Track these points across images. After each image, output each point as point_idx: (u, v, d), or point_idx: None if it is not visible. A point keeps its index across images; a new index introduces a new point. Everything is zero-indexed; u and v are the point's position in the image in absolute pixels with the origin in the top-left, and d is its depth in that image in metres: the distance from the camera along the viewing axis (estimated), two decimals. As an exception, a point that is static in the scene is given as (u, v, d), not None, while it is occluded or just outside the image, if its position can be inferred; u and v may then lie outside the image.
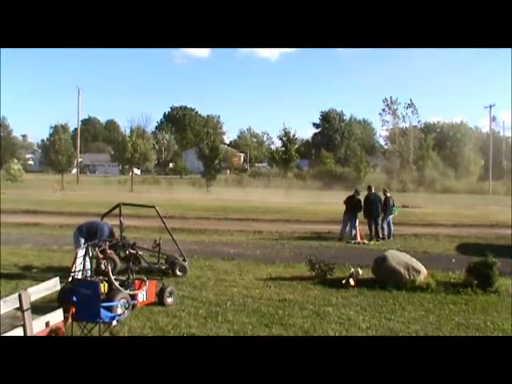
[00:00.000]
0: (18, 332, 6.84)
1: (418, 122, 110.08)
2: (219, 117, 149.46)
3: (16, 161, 79.40)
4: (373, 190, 22.45)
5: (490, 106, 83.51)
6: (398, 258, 13.28)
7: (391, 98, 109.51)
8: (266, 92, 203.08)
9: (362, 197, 22.26)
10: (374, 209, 21.61)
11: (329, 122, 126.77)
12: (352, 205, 21.81)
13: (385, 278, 12.81)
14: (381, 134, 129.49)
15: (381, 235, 21.73)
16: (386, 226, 22.00)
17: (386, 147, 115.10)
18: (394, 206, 22.77)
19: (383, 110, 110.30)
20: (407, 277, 12.69)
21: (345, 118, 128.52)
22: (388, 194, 22.70)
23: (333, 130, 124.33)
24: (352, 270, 13.30)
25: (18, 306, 6.82)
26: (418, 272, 12.83)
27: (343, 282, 12.78)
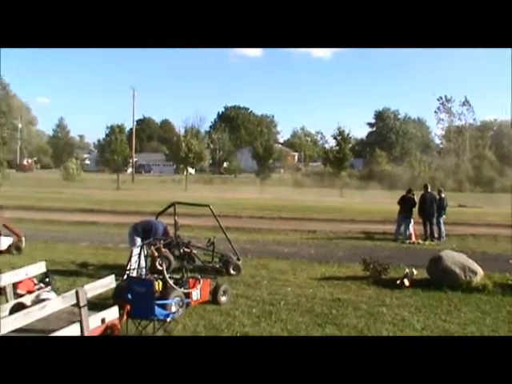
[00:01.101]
0: (74, 328, 6.96)
1: (474, 119, 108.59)
2: (273, 116, 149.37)
3: (74, 160, 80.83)
4: (429, 189, 22.14)
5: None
6: (453, 258, 13.07)
7: (446, 96, 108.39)
8: (319, 91, 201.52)
9: (415, 196, 21.96)
10: (429, 208, 21.31)
11: (383, 121, 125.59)
12: (406, 204, 21.54)
13: (440, 278, 12.62)
14: (436, 132, 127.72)
15: (436, 235, 21.43)
16: (438, 226, 21.68)
17: (441, 146, 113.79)
18: (447, 206, 22.41)
19: (438, 108, 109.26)
20: (463, 277, 12.48)
21: (399, 116, 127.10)
22: (443, 195, 22.37)
23: (387, 129, 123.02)
24: (407, 270, 13.15)
25: (74, 302, 6.95)
26: (475, 273, 12.60)
27: (398, 282, 12.65)
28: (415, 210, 21.60)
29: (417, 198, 21.82)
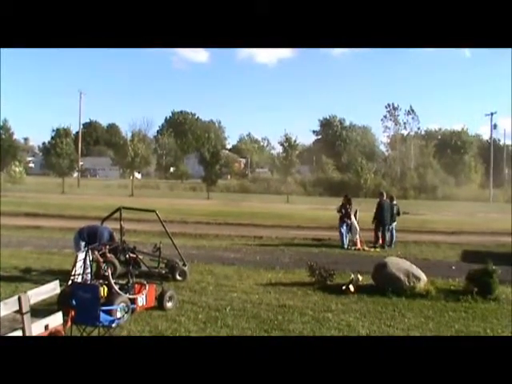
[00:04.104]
0: (17, 335, 6.83)
1: (418, 128, 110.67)
2: (220, 122, 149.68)
3: (17, 163, 79.14)
4: (385, 197, 22.48)
5: (492, 114, 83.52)
6: (398, 264, 13.28)
7: (393, 104, 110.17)
8: (264, 97, 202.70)
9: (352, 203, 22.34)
10: (384, 216, 21.61)
11: (329, 129, 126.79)
12: (345, 211, 21.75)
13: (385, 284, 12.80)
14: (382, 140, 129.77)
15: (393, 241, 21.84)
16: (390, 233, 22.01)
17: (386, 153, 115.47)
18: (398, 214, 22.70)
19: (385, 116, 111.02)
20: (407, 283, 12.68)
21: (345, 124, 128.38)
22: (394, 202, 22.66)
23: (333, 137, 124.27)
24: (352, 276, 13.28)
25: (17, 308, 6.82)
26: (418, 279, 12.82)
27: (343, 288, 12.77)
28: (358, 216, 22.01)
29: (356, 205, 22.32)
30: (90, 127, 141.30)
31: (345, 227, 21.60)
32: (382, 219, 21.70)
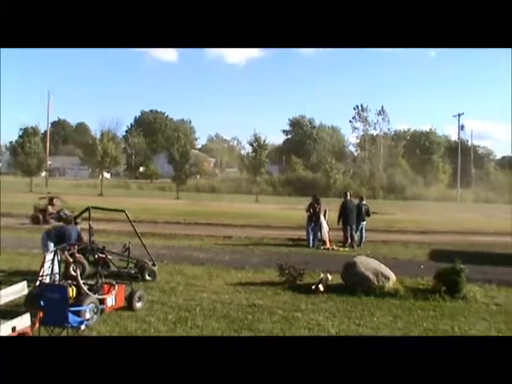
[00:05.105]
0: (-17, 336, 6.75)
1: (388, 129, 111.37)
2: (190, 122, 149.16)
3: (-17, 162, 78.29)
4: (349, 197, 22.59)
5: (459, 115, 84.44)
6: (367, 263, 13.36)
7: (362, 105, 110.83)
8: (234, 97, 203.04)
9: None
10: (350, 215, 21.71)
11: (299, 129, 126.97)
12: (313, 211, 21.82)
13: (354, 283, 12.87)
14: (351, 140, 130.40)
15: (362, 240, 21.98)
16: (359, 232, 22.13)
17: (355, 154, 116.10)
18: (368, 213, 22.70)
19: (354, 117, 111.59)
20: (376, 283, 12.77)
21: (315, 124, 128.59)
22: (363, 202, 22.76)
23: (303, 137, 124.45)
24: (321, 275, 13.32)
25: (-16, 310, 6.74)
26: (387, 278, 12.92)
27: (313, 287, 12.81)
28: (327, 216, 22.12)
29: (325, 205, 22.37)
30: (58, 126, 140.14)
31: (313, 227, 21.68)
32: (346, 219, 21.81)
